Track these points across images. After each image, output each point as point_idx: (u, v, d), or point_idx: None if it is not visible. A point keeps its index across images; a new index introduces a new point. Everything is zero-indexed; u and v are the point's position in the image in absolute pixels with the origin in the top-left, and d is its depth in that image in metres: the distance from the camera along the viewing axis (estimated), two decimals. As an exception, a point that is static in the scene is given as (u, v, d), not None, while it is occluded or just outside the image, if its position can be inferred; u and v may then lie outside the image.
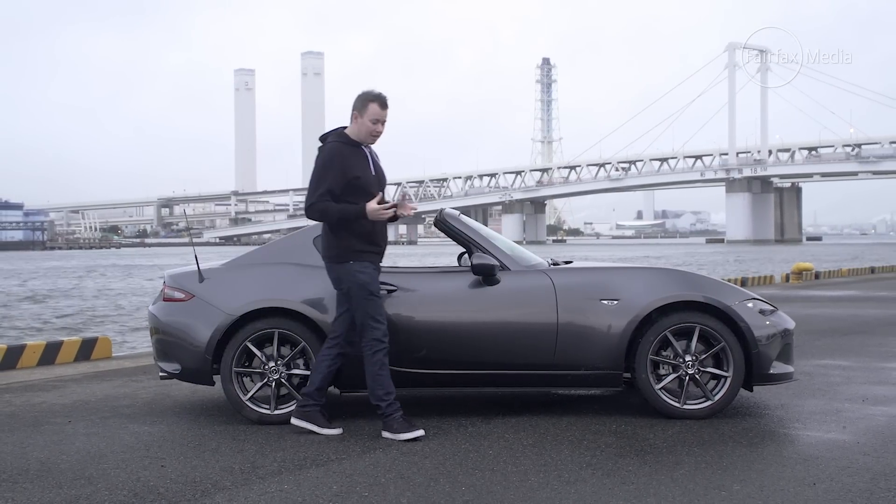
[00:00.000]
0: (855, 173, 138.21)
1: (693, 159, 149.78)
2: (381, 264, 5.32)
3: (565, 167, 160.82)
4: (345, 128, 5.27)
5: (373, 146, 5.32)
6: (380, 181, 5.28)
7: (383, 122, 5.19)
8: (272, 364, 5.49)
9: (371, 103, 5.14)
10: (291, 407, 5.47)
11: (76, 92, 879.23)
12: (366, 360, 5.15)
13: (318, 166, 5.16)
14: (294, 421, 5.25)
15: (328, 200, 5.08)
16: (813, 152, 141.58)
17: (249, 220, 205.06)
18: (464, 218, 5.95)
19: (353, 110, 5.19)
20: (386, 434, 5.08)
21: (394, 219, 5.20)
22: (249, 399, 5.49)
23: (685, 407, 5.48)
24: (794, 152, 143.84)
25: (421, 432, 5.05)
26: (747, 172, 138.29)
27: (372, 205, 5.04)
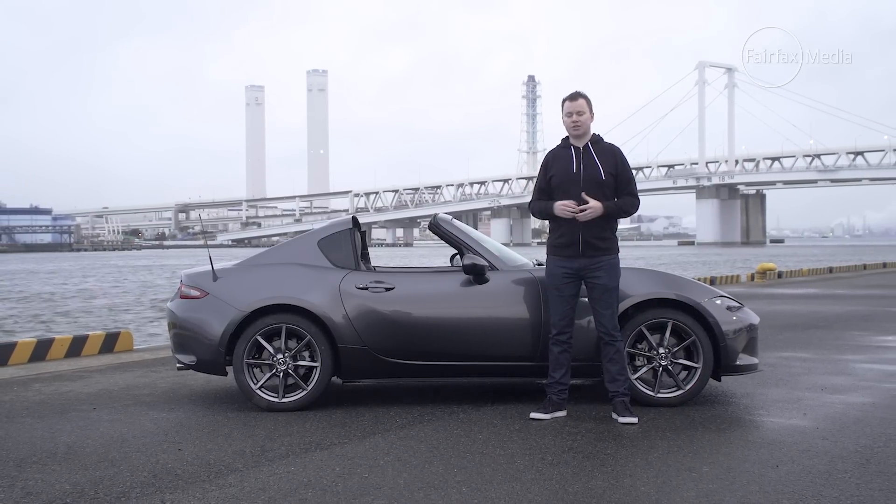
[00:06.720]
0: (815, 181, 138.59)
1: (666, 168, 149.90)
2: (571, 256, 5.17)
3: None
4: None
5: (605, 146, 5.22)
6: (584, 179, 5.10)
7: (578, 112, 5.13)
8: (280, 356, 5.48)
9: (563, 102, 5.22)
10: (297, 395, 5.47)
11: (111, 105, 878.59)
12: None
13: None
14: (622, 420, 5.05)
15: (537, 199, 5.29)
16: (776, 162, 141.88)
17: (259, 224, 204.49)
18: (456, 222, 5.95)
19: None
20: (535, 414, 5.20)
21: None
22: (259, 388, 5.49)
23: (659, 395, 5.49)
24: (758, 162, 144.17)
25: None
26: (716, 180, 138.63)
27: (559, 203, 5.10)
